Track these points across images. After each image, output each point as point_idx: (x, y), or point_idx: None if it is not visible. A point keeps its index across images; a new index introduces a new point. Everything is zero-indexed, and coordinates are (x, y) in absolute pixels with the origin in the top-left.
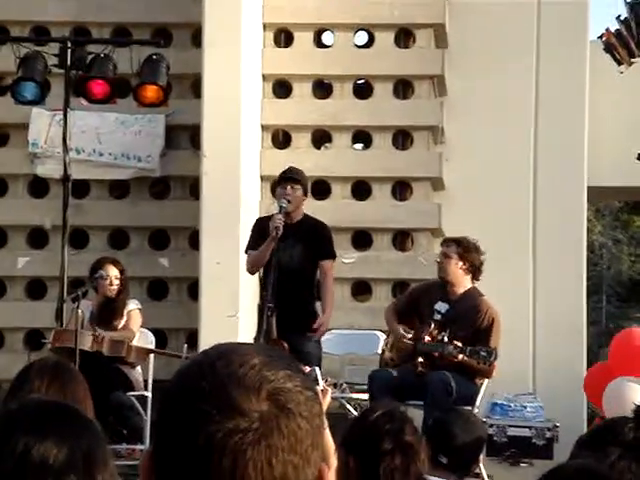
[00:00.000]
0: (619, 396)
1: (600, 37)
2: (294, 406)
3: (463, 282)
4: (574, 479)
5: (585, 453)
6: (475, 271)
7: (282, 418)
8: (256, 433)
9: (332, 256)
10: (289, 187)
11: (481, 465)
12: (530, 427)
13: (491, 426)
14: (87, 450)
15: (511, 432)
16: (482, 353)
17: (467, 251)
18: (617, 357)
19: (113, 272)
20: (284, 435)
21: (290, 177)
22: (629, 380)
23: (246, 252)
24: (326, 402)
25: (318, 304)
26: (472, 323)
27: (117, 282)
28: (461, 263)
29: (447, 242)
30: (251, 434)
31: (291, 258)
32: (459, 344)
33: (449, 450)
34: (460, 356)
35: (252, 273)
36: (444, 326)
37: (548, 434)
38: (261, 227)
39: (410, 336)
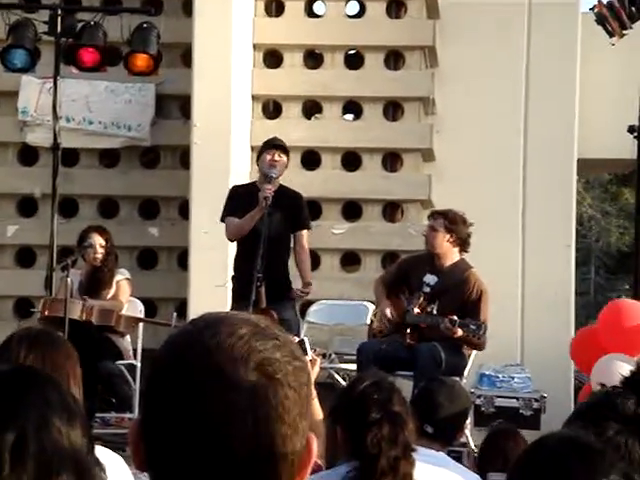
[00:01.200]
0: (609, 375)
1: (592, 9)
2: (282, 376)
3: (451, 254)
4: (557, 449)
5: (579, 424)
6: (462, 243)
7: (270, 388)
8: (244, 402)
9: (308, 227)
10: (276, 155)
11: (468, 435)
12: (517, 398)
13: (479, 397)
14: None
15: (499, 403)
16: (472, 326)
17: (454, 224)
18: (606, 330)
19: (98, 240)
20: (272, 405)
21: (277, 144)
22: (618, 358)
23: (222, 220)
24: (315, 372)
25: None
26: (460, 295)
27: (102, 250)
28: (448, 236)
29: (434, 215)
30: (239, 403)
31: (269, 227)
32: (454, 318)
33: (434, 419)
34: (459, 331)
35: (232, 241)
36: (433, 298)
37: (535, 405)
38: (238, 195)
39: (392, 318)
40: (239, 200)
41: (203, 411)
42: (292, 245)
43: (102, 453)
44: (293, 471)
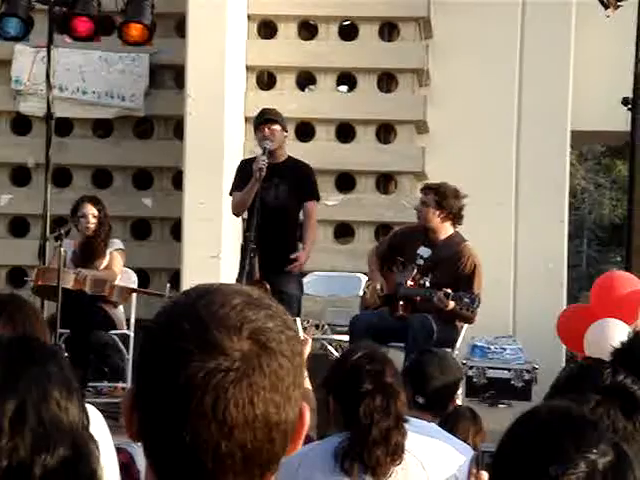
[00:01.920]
0: (602, 337)
1: None
2: (275, 345)
3: (444, 228)
4: (547, 420)
5: (561, 397)
6: (454, 217)
7: (263, 357)
8: (238, 372)
9: (316, 197)
10: (267, 129)
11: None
12: (509, 369)
13: (471, 368)
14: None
15: (490, 374)
16: (465, 299)
17: (444, 198)
18: (599, 301)
19: (91, 210)
20: (265, 374)
21: (267, 119)
22: (611, 321)
23: (230, 194)
24: (306, 352)
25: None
26: (454, 269)
27: (94, 220)
28: (438, 211)
29: (425, 190)
30: (233, 373)
31: (275, 198)
32: (448, 291)
33: (425, 390)
34: (451, 304)
35: (237, 215)
36: (426, 271)
37: (527, 376)
38: (245, 169)
39: (382, 293)
40: (245, 174)
41: (196, 380)
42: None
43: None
44: (286, 440)
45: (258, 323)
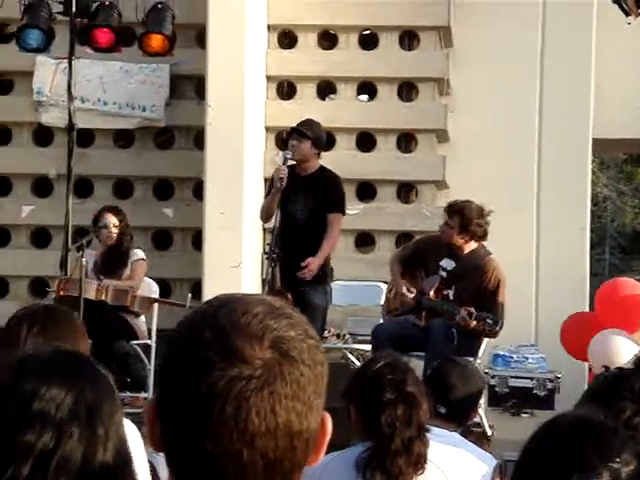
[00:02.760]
0: (605, 349)
1: None
2: (297, 354)
3: (468, 245)
4: (570, 429)
5: (595, 406)
6: (479, 238)
7: (285, 365)
8: (259, 380)
9: (340, 210)
10: (295, 142)
11: (482, 415)
12: (532, 378)
13: (493, 377)
14: (92, 403)
15: (513, 383)
16: (488, 321)
17: (469, 223)
18: (603, 308)
19: (112, 220)
20: (287, 382)
21: (296, 129)
22: (615, 332)
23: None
24: None
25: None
26: (478, 283)
27: (115, 230)
28: (462, 234)
29: (450, 212)
30: (254, 381)
31: (302, 210)
32: (472, 310)
33: (447, 400)
34: (473, 323)
35: (264, 222)
36: (449, 283)
37: (549, 385)
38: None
39: (412, 295)
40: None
41: (218, 388)
42: None
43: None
44: (308, 449)
45: (280, 332)
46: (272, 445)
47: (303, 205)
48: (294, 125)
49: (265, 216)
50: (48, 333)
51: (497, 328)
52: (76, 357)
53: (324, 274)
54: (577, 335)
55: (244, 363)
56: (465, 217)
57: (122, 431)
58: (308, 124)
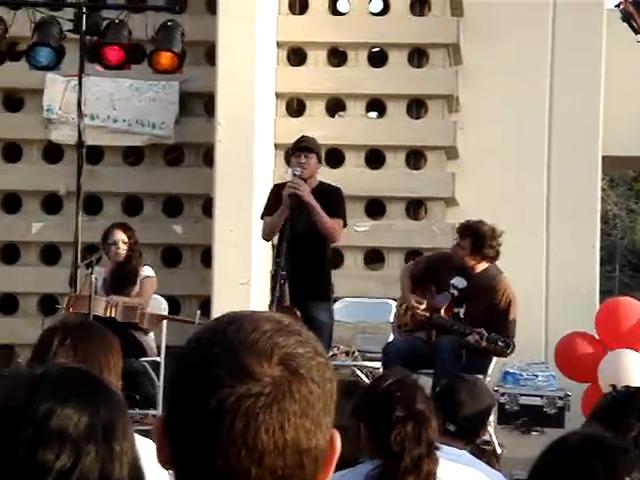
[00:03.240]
0: (618, 367)
1: (617, 5)
2: (306, 371)
3: (479, 265)
4: (580, 448)
5: (603, 425)
6: (491, 259)
7: (294, 383)
8: (268, 397)
9: (342, 217)
10: (303, 156)
11: (492, 433)
12: (542, 396)
13: (503, 395)
14: (107, 420)
15: (523, 401)
16: (500, 344)
17: (482, 245)
18: (605, 329)
19: (121, 237)
20: (296, 399)
21: (304, 147)
22: (623, 353)
23: (261, 218)
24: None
25: (334, 272)
26: (489, 302)
27: (124, 247)
28: (474, 255)
29: (461, 233)
30: (263, 398)
31: (306, 225)
32: (484, 332)
33: (456, 417)
34: (484, 344)
35: (267, 240)
36: (460, 301)
37: (559, 403)
38: (278, 193)
39: (422, 307)
40: (277, 199)
41: (227, 405)
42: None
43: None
44: (317, 467)
45: (288, 349)
46: (281, 462)
47: (307, 220)
48: (296, 143)
49: (270, 233)
50: (80, 349)
51: (508, 351)
52: (86, 375)
53: (327, 290)
54: (573, 355)
55: (253, 380)
56: (477, 239)
57: (135, 447)
58: (309, 140)
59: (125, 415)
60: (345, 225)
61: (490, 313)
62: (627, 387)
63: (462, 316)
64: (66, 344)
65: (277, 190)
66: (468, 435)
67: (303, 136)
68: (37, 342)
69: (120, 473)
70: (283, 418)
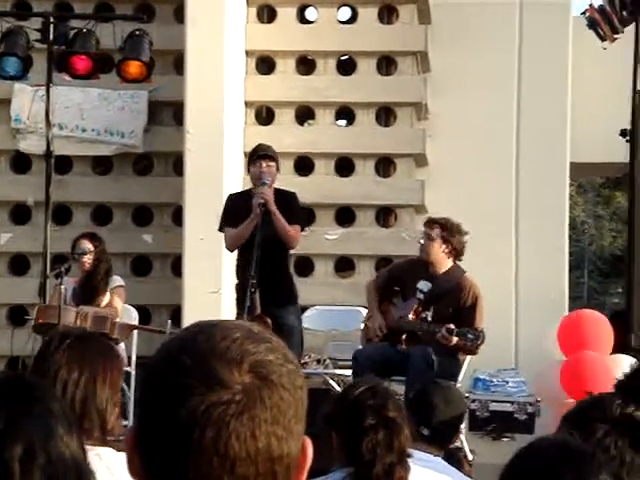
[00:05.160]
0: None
1: (583, 13)
2: (276, 378)
3: (445, 262)
4: (549, 453)
5: (570, 429)
6: (457, 254)
7: (265, 390)
8: (239, 405)
9: (298, 222)
10: (264, 164)
11: (463, 439)
12: (512, 402)
13: (473, 401)
14: (4, 428)
15: (493, 407)
16: (469, 335)
17: (451, 235)
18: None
19: (87, 245)
20: (267, 406)
21: (265, 154)
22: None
23: (221, 230)
24: None
25: (304, 280)
26: (455, 301)
27: (92, 255)
28: (444, 246)
29: (430, 224)
30: (234, 406)
31: (267, 233)
32: (452, 327)
33: (430, 422)
34: (454, 339)
35: (232, 250)
36: (427, 305)
37: (530, 409)
38: (234, 203)
39: (381, 334)
40: (235, 209)
41: (197, 414)
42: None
43: (110, 455)
44: (289, 474)
45: (259, 356)
46: (253, 470)
47: (268, 228)
48: (256, 151)
49: (238, 244)
50: (85, 361)
51: (478, 342)
52: (6, 381)
53: (293, 294)
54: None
55: (224, 388)
56: (447, 228)
57: (60, 458)
58: (269, 148)
59: (44, 424)
60: (303, 229)
61: (457, 312)
62: (598, 394)
63: (430, 319)
64: (67, 354)
65: (234, 200)
66: (441, 440)
67: (260, 144)
68: (39, 355)
69: None
70: (254, 425)
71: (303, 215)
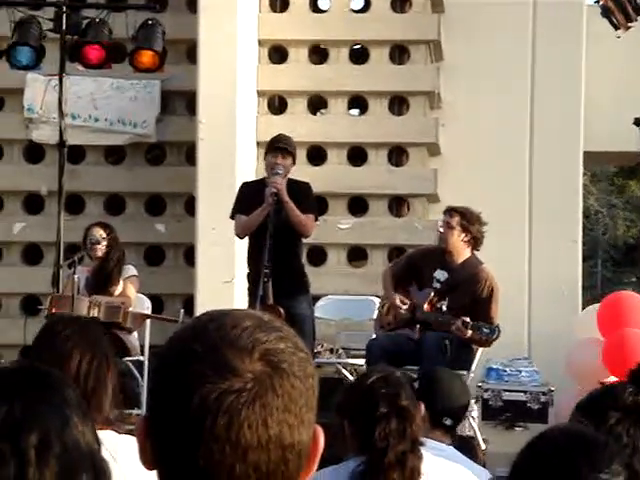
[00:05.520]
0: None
1: (597, 1)
2: (287, 366)
3: (463, 251)
4: (561, 442)
5: (582, 417)
6: (476, 243)
7: (276, 378)
8: (250, 393)
9: (311, 212)
10: (280, 157)
11: (476, 429)
12: (525, 391)
13: (486, 390)
14: (20, 417)
15: (506, 396)
16: (484, 330)
17: (471, 223)
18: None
19: (99, 233)
20: (278, 394)
21: (282, 147)
22: None
23: (232, 217)
24: None
25: (317, 269)
26: (471, 292)
27: (104, 242)
28: (463, 235)
29: (450, 212)
30: (245, 394)
31: (281, 222)
32: (467, 320)
33: (449, 411)
34: (469, 333)
35: (242, 238)
36: (443, 294)
37: (543, 398)
38: (248, 191)
39: (405, 307)
40: (248, 197)
41: (209, 402)
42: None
43: (111, 438)
44: (301, 462)
45: (269, 344)
46: (264, 458)
47: (280, 218)
48: (274, 142)
49: (247, 231)
50: (82, 343)
51: (493, 336)
52: (20, 370)
53: (305, 283)
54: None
55: (235, 376)
56: (467, 216)
57: (76, 446)
58: (287, 140)
59: (59, 412)
60: (316, 219)
61: (473, 303)
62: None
63: (445, 309)
64: (81, 344)
65: (248, 188)
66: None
67: (280, 135)
68: (40, 333)
69: (40, 476)
70: (266, 413)
71: (315, 205)
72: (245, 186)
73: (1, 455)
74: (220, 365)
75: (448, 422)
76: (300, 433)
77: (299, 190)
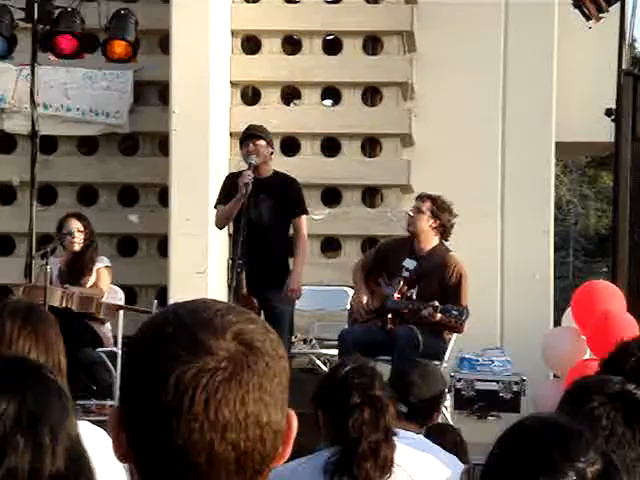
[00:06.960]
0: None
1: None
2: (261, 345)
3: (431, 239)
4: (535, 431)
5: (568, 404)
6: (444, 231)
7: (250, 356)
8: (226, 371)
9: (305, 212)
10: (251, 144)
11: (449, 418)
12: (497, 381)
13: (459, 380)
14: (35, 408)
15: (479, 386)
16: (453, 312)
17: (441, 210)
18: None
19: (76, 225)
20: (254, 372)
21: (251, 134)
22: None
23: (215, 207)
24: None
25: (290, 260)
26: (440, 279)
27: (80, 236)
28: (432, 221)
29: (422, 197)
30: (221, 372)
31: (259, 215)
32: (436, 304)
33: (407, 398)
34: (438, 316)
35: (220, 228)
36: (412, 283)
37: (515, 388)
38: (232, 182)
39: (363, 313)
40: (231, 188)
41: (185, 380)
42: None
43: (86, 427)
44: (277, 442)
45: (241, 325)
46: (243, 436)
47: (264, 209)
48: (243, 132)
49: (224, 223)
50: (39, 334)
51: (463, 318)
52: (17, 363)
53: (282, 276)
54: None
55: (209, 355)
56: (437, 203)
57: (75, 436)
58: (256, 127)
59: (61, 403)
60: (308, 214)
61: (442, 290)
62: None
63: (415, 297)
64: (25, 330)
65: (230, 179)
66: (421, 417)
67: (249, 125)
68: None
69: (53, 465)
70: (243, 391)
71: (304, 202)
72: (229, 177)
73: (17, 446)
74: (194, 345)
75: (403, 409)
76: (276, 413)
77: (285, 188)
